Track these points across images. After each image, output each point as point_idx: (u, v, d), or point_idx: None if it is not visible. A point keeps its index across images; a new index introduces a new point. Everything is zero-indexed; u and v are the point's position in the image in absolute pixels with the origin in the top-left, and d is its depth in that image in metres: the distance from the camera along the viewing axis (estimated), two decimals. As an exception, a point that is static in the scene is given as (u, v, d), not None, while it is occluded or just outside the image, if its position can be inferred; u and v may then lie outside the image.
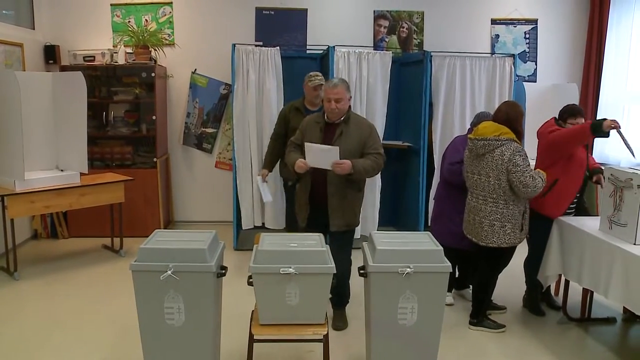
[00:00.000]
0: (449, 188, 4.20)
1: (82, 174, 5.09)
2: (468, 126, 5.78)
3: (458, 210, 4.02)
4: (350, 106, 3.70)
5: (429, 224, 5.78)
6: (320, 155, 3.44)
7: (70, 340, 3.61)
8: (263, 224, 5.78)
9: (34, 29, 5.89)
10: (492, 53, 6.50)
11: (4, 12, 5.48)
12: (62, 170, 5.13)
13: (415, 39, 6.58)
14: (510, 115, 3.59)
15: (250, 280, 2.70)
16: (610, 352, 3.59)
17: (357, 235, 4.69)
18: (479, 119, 4.12)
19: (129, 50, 5.98)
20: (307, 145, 3.51)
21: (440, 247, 2.84)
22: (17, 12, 5.71)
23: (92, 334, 3.70)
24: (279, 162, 4.79)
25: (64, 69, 5.83)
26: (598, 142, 6.40)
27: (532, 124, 5.00)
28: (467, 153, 3.79)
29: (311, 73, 4.65)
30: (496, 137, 3.52)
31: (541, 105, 6.10)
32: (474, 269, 4.38)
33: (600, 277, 3.37)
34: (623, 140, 3.56)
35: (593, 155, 4.33)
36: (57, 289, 4.52)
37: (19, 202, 4.58)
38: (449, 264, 2.80)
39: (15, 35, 5.49)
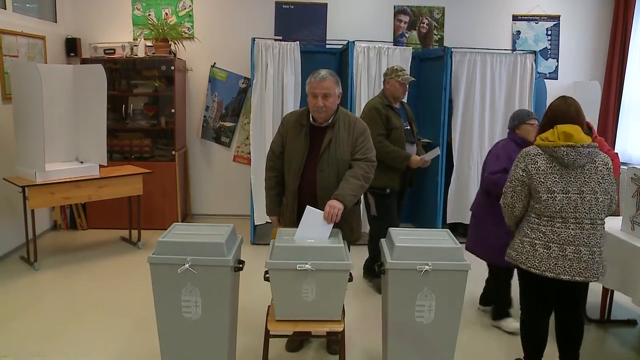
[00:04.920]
0: (489, 199, 3.66)
1: (101, 166, 5.14)
2: (487, 123, 5.74)
3: (499, 224, 3.34)
4: (338, 105, 3.15)
5: (447, 222, 5.80)
6: (311, 227, 2.89)
7: (87, 330, 3.65)
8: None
9: (56, 22, 5.95)
10: (513, 50, 6.41)
11: (27, 5, 5.54)
12: (81, 162, 5.18)
13: (435, 34, 6.52)
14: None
15: (267, 275, 2.70)
16: (632, 354, 3.53)
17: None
18: (521, 119, 3.65)
19: (149, 43, 6.01)
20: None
21: (460, 245, 2.80)
22: (40, 5, 5.77)
23: (109, 325, 3.74)
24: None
25: (84, 61, 5.88)
26: (619, 140, 6.30)
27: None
28: (547, 165, 2.80)
29: (395, 67, 4.31)
30: (595, 144, 2.83)
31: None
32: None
33: (624, 279, 3.31)
34: None
35: (616, 150, 4.20)
36: (75, 280, 4.57)
37: (39, 193, 4.63)
38: (468, 262, 2.75)
39: (38, 28, 5.55)
